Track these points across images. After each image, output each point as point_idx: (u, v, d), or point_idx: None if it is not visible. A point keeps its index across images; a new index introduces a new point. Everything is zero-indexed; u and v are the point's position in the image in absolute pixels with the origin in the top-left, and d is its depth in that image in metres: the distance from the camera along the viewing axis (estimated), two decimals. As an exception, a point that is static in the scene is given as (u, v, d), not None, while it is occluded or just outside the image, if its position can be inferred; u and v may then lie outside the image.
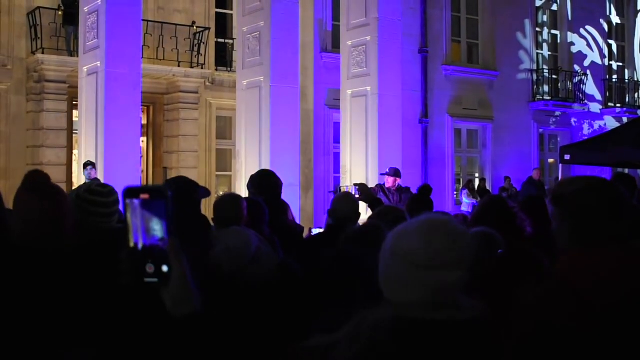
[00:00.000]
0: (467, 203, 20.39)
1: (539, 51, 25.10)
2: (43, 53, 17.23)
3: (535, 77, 24.42)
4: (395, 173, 11.26)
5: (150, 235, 1.65)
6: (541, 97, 24.38)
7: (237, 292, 3.23)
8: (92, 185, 3.62)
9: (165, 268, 1.67)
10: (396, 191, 11.03)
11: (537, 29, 25.02)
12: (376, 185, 11.23)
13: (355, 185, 7.00)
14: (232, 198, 4.79)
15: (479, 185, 21.74)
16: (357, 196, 6.74)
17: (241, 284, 3.26)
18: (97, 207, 3.51)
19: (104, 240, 3.32)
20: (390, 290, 2.14)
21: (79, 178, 13.64)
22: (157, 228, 1.65)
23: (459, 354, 2.02)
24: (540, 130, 24.81)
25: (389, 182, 11.22)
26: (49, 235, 3.01)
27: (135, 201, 1.64)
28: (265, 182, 5.54)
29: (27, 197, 3.07)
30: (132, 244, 1.65)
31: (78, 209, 3.46)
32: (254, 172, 13.83)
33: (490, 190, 21.60)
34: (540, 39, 25.28)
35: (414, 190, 10.51)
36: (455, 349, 2.01)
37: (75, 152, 17.41)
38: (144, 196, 1.64)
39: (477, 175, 23.35)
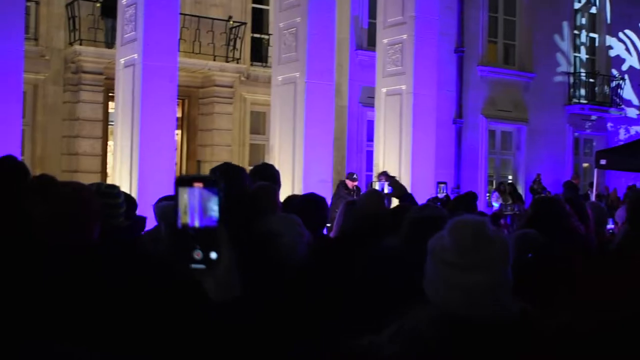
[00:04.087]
0: (497, 207, 20.25)
1: (577, 54, 24.86)
2: (81, 44, 17.37)
3: (572, 80, 24.19)
4: (351, 177, 14.40)
5: (207, 215, 1.64)
6: (577, 101, 24.15)
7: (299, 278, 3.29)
8: (102, 187, 3.59)
9: (213, 255, 1.66)
10: (354, 191, 13.95)
11: (575, 32, 24.78)
12: (340, 182, 14.17)
13: (387, 177, 6.97)
14: (269, 188, 4.83)
15: (508, 189, 21.56)
16: (387, 191, 6.74)
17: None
18: (108, 209, 3.48)
19: (117, 238, 3.34)
20: (428, 290, 2.16)
21: (113, 169, 13.72)
22: (215, 209, 1.64)
23: (497, 353, 2.01)
24: (576, 134, 24.58)
25: (349, 184, 14.13)
26: (66, 233, 3.01)
27: (195, 187, 1.63)
28: (270, 173, 5.52)
29: (34, 199, 3.07)
30: (179, 226, 1.64)
31: None
32: (286, 167, 13.98)
33: (521, 193, 21.43)
34: (578, 42, 25.03)
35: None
36: (495, 348, 2.01)
37: (110, 143, 17.54)
38: (198, 185, 1.64)
39: (510, 177, 23.19)
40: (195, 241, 1.64)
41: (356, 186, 14.23)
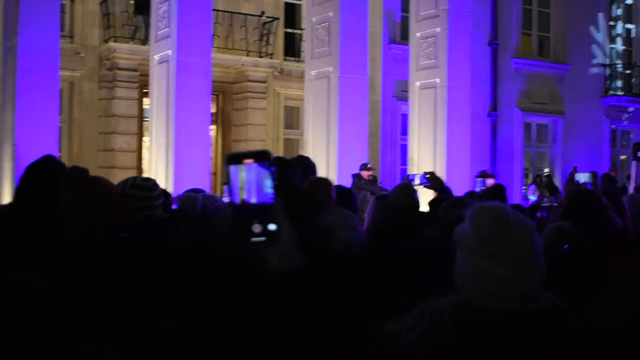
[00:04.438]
0: (534, 199, 20.06)
1: (613, 45, 24.53)
2: (115, 41, 17.51)
3: (608, 71, 23.91)
4: (365, 168, 13.89)
5: (263, 192, 1.67)
6: (614, 93, 23.85)
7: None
8: (137, 181, 3.64)
9: (272, 227, 1.69)
10: (370, 180, 13.81)
11: (611, 23, 24.46)
12: (354, 175, 13.61)
13: (426, 173, 6.98)
14: (322, 181, 4.84)
15: (545, 181, 21.37)
16: (426, 185, 6.74)
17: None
18: (142, 201, 3.53)
19: (152, 231, 3.37)
20: (456, 278, 2.15)
21: (149, 164, 13.82)
22: (270, 185, 1.67)
23: (514, 345, 2.00)
24: (613, 126, 24.29)
25: (365, 175, 13.72)
26: (92, 224, 3.05)
27: (247, 163, 1.67)
28: (306, 165, 5.52)
29: (65, 191, 3.12)
30: (236, 201, 1.67)
31: (124, 205, 3.47)
32: (320, 161, 13.97)
33: (558, 186, 21.23)
34: (613, 33, 24.70)
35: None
36: (512, 340, 1.99)
37: (145, 139, 17.67)
38: (249, 161, 1.67)
39: (546, 170, 22.98)
40: (254, 216, 1.67)
41: (372, 175, 14.09)
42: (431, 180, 6.80)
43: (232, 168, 1.67)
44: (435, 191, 6.80)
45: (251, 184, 1.67)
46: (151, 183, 3.65)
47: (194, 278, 2.93)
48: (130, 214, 3.46)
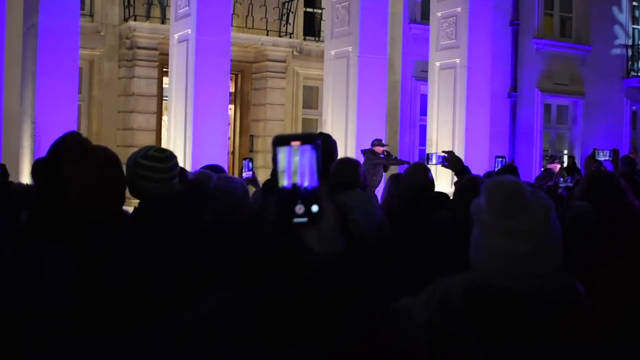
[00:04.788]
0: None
1: (635, 26, 24.30)
2: (135, 20, 17.51)
3: (630, 52, 23.68)
4: (380, 143, 13.80)
5: (313, 176, 1.68)
6: (635, 74, 23.62)
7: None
8: (150, 151, 3.52)
9: (315, 208, 1.69)
10: (385, 155, 13.76)
11: (634, 3, 24.20)
12: (366, 151, 13.55)
13: (444, 152, 6.92)
14: (352, 162, 4.83)
15: (567, 163, 21.25)
16: (444, 164, 6.69)
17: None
18: (153, 172, 3.40)
19: (163, 204, 3.31)
20: (471, 253, 2.14)
21: (168, 143, 13.86)
22: (315, 168, 1.68)
23: (525, 325, 1.98)
24: (634, 108, 24.08)
25: (379, 150, 13.66)
26: (96, 199, 2.99)
27: (295, 145, 1.68)
28: (328, 143, 5.50)
29: (66, 165, 3.05)
30: (282, 185, 1.68)
31: (135, 175, 3.38)
32: (339, 141, 13.88)
33: (579, 168, 21.10)
34: (637, 14, 24.46)
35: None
36: (523, 320, 1.98)
37: (164, 118, 17.70)
38: (295, 143, 1.67)
39: (565, 151, 22.86)
40: (297, 197, 1.68)
41: (386, 151, 13.94)
42: (450, 159, 6.75)
43: (286, 150, 1.67)
44: (454, 171, 6.78)
45: (304, 167, 1.68)
46: (166, 154, 3.50)
47: (211, 261, 2.91)
48: (142, 186, 3.38)
